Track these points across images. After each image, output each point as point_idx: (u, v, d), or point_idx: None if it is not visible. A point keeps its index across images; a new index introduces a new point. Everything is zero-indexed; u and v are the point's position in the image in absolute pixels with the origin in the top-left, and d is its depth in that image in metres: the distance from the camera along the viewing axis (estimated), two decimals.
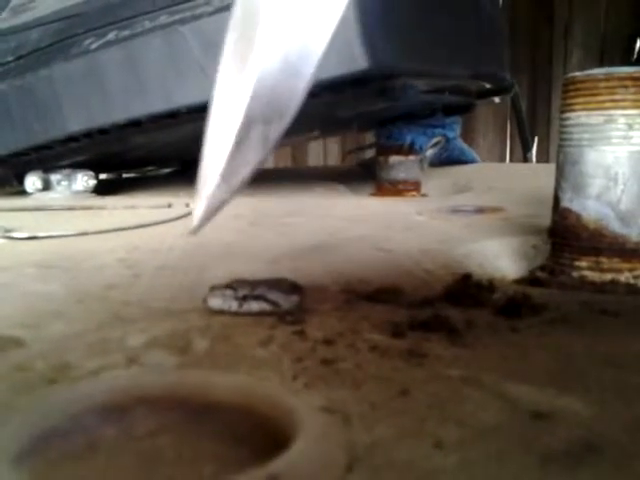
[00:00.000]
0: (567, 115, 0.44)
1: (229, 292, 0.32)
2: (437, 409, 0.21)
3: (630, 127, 0.42)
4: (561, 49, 2.59)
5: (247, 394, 0.21)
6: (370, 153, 1.09)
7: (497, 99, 1.09)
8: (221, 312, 0.32)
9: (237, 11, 0.30)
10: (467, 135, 2.60)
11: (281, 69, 0.28)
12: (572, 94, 0.44)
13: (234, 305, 0.32)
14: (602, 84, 0.43)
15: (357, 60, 0.59)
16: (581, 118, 0.44)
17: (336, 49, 0.57)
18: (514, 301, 0.34)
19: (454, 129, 1.26)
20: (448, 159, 1.32)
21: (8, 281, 0.39)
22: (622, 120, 0.42)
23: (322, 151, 2.84)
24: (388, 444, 0.18)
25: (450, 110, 1.06)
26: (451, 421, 0.20)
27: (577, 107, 0.44)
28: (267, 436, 0.19)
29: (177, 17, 0.65)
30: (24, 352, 0.26)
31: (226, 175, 0.31)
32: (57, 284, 0.38)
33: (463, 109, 1.06)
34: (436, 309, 0.33)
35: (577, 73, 0.44)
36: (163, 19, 0.66)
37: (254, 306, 0.32)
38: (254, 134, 0.30)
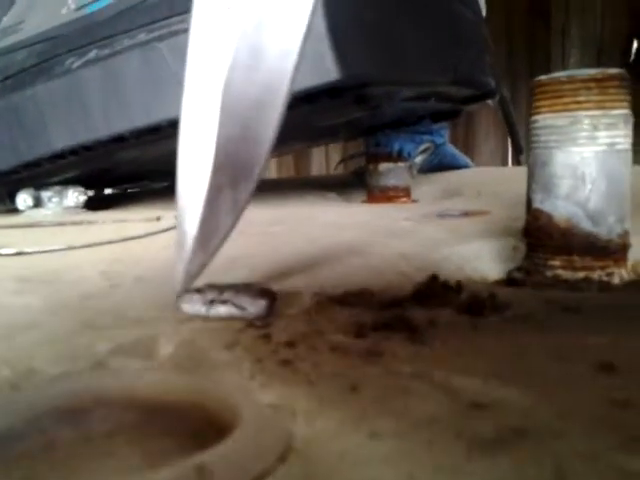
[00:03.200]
0: (535, 118, 0.45)
1: (197, 296, 0.33)
2: (380, 403, 0.21)
3: (595, 128, 0.43)
4: (559, 51, 2.60)
5: (198, 393, 0.22)
6: (362, 161, 1.10)
7: (490, 102, 1.10)
8: (193, 318, 0.33)
9: (192, 69, 0.30)
10: (468, 140, 2.61)
11: (241, 136, 0.29)
12: (539, 97, 0.45)
13: (202, 309, 0.32)
14: (566, 86, 0.44)
15: (329, 71, 0.60)
16: (547, 120, 0.44)
17: (308, 60, 0.58)
18: (477, 300, 0.34)
19: (442, 135, 1.27)
20: (440, 165, 1.32)
21: None
22: (587, 121, 0.43)
23: (325, 160, 2.85)
24: (326, 436, 0.19)
25: (437, 116, 1.07)
26: (391, 413, 0.20)
27: (543, 109, 0.45)
28: (215, 432, 0.20)
29: (155, 34, 0.67)
30: None
31: (201, 240, 0.32)
32: (35, 297, 0.39)
33: (450, 115, 1.07)
34: (402, 310, 0.34)
35: (542, 76, 0.45)
36: (142, 37, 0.67)
37: (221, 310, 0.32)
38: (223, 199, 0.31)
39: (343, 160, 1.56)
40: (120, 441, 0.21)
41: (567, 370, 0.24)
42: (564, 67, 2.59)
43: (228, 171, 0.29)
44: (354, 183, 1.17)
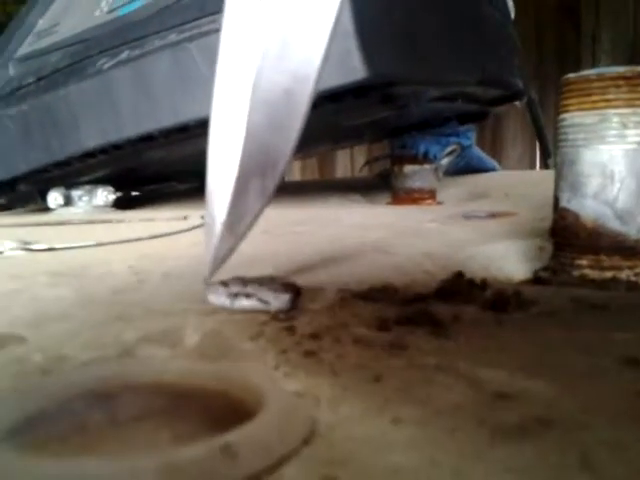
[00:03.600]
0: (563, 116, 0.45)
1: (222, 289, 0.33)
2: (404, 392, 0.22)
3: (624, 125, 0.43)
4: (589, 56, 2.57)
5: (223, 380, 0.22)
6: (387, 163, 1.10)
7: (518, 103, 1.09)
8: (218, 310, 0.33)
9: (224, 59, 0.31)
10: (495, 144, 2.59)
11: (270, 124, 0.30)
12: (567, 95, 0.45)
13: (227, 302, 0.33)
14: (595, 84, 0.43)
15: (356, 70, 0.60)
16: (576, 118, 0.44)
17: (335, 59, 0.59)
18: (502, 297, 0.34)
19: (469, 137, 1.26)
20: (466, 168, 1.32)
21: (21, 287, 0.41)
22: (616, 119, 0.42)
23: (349, 162, 2.85)
24: (349, 422, 0.19)
25: (464, 118, 1.06)
26: (414, 402, 0.21)
27: (572, 108, 0.44)
28: (240, 417, 0.20)
29: (185, 35, 0.68)
30: (24, 347, 0.27)
31: (229, 225, 0.33)
32: (66, 289, 0.40)
33: (477, 117, 1.07)
34: (426, 305, 0.34)
35: (571, 74, 0.45)
36: (172, 37, 0.69)
37: (246, 303, 0.33)
38: (252, 186, 0.31)
39: (368, 162, 1.56)
40: (148, 425, 0.21)
41: (592, 364, 0.24)
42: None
43: (257, 158, 0.29)
44: (379, 185, 1.17)
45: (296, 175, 2.95)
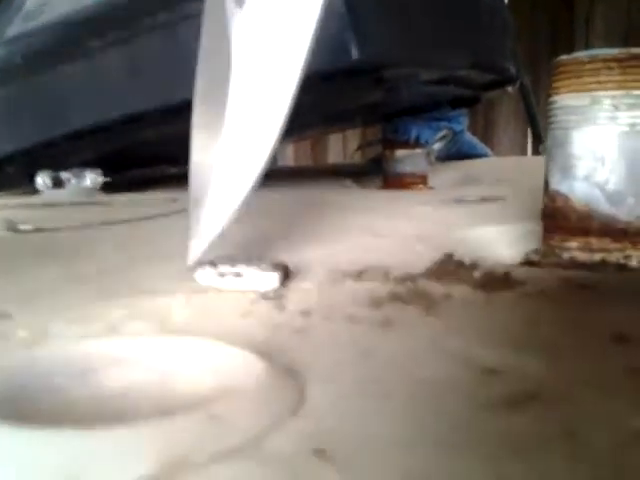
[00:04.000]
0: (554, 98, 0.45)
1: (210, 268, 0.33)
2: (393, 367, 0.22)
3: (616, 108, 0.42)
4: (582, 41, 2.56)
5: (211, 355, 0.22)
6: (380, 149, 1.10)
7: (510, 89, 1.09)
8: (207, 289, 0.33)
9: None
10: (487, 130, 2.58)
11: (255, 107, 0.30)
12: (558, 77, 0.45)
13: (215, 281, 0.33)
14: (587, 66, 0.43)
15: (348, 51, 0.60)
16: (567, 100, 0.44)
17: (327, 41, 0.58)
18: (492, 277, 0.34)
19: (461, 122, 1.26)
20: (458, 153, 1.32)
21: (7, 266, 0.41)
22: (607, 101, 0.42)
23: (342, 148, 2.84)
24: (337, 395, 0.19)
25: (456, 103, 1.06)
26: (404, 376, 0.21)
27: (563, 90, 0.44)
28: (228, 392, 0.20)
29: (175, 15, 0.67)
30: (10, 323, 0.27)
31: (214, 210, 0.32)
32: (54, 268, 0.40)
33: (469, 102, 1.06)
34: (416, 284, 0.34)
35: (563, 56, 0.45)
36: (161, 18, 0.68)
37: (234, 282, 0.33)
38: (238, 170, 0.31)
39: (360, 147, 1.56)
40: (134, 399, 0.21)
41: (580, 340, 0.24)
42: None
43: (243, 141, 0.29)
44: (371, 170, 1.17)
45: (289, 160, 2.94)
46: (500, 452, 0.15)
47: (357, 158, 1.69)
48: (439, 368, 0.21)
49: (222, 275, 0.33)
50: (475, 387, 0.19)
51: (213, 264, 0.34)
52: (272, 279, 0.33)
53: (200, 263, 0.34)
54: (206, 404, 0.17)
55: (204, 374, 0.22)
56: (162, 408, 0.21)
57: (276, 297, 0.32)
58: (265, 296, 0.32)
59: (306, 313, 0.29)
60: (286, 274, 0.35)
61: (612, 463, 0.15)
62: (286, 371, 0.21)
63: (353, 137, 2.65)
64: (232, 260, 0.34)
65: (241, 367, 0.21)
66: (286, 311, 0.29)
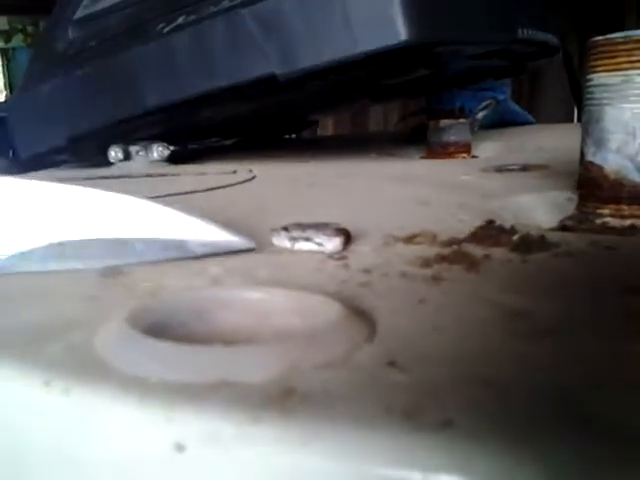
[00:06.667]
0: (590, 76, 0.49)
1: (284, 233, 0.39)
2: (442, 310, 0.27)
3: None
4: (634, 3, 2.50)
5: (298, 301, 0.28)
6: (421, 118, 1.14)
7: (552, 58, 1.11)
8: (282, 251, 0.39)
9: None
10: (532, 97, 2.56)
11: None
12: (594, 57, 0.49)
13: (288, 244, 0.39)
14: (620, 47, 0.47)
15: (398, 32, 0.64)
16: (601, 79, 0.48)
17: (376, 21, 0.63)
18: (528, 240, 0.39)
19: (504, 91, 1.28)
20: (501, 121, 1.34)
21: None
22: (639, 79, 0.46)
23: (382, 118, 2.86)
24: (402, 329, 0.25)
25: (500, 73, 1.09)
26: (451, 317, 0.26)
27: (598, 69, 0.48)
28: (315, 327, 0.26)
29: (238, 1, 0.72)
30: (131, 278, 0.34)
31: None
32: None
33: (513, 72, 1.09)
34: (460, 247, 0.39)
35: (599, 37, 0.48)
36: (226, 3, 0.73)
37: (304, 245, 0.39)
38: None
39: (404, 117, 1.59)
40: (240, 334, 0.27)
41: (597, 291, 0.29)
42: (638, 23, 2.48)
43: None
44: (414, 140, 1.21)
45: (329, 129, 2.97)
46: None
47: (398, 128, 1.72)
48: (479, 311, 0.27)
49: (294, 239, 0.39)
50: (506, 324, 0.25)
51: (286, 229, 0.40)
52: (336, 243, 0.39)
53: (274, 229, 0.41)
54: (303, 333, 0.23)
55: (292, 314, 0.28)
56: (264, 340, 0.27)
57: (340, 258, 0.38)
58: (331, 257, 0.38)
59: (367, 271, 0.35)
60: (347, 237, 0.41)
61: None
62: (358, 311, 0.27)
63: (394, 107, 2.67)
64: (302, 226, 0.40)
65: (322, 307, 0.27)
66: (350, 269, 0.35)
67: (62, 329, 0.25)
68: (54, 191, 0.37)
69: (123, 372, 0.21)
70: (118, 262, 0.35)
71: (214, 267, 0.35)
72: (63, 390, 0.20)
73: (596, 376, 0.20)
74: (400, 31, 0.63)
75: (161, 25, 0.79)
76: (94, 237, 0.36)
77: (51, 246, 0.35)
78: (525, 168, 0.82)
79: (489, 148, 1.12)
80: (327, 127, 2.91)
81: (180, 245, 0.37)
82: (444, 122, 1.04)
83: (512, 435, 0.16)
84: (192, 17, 0.75)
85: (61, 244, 0.35)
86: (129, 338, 0.22)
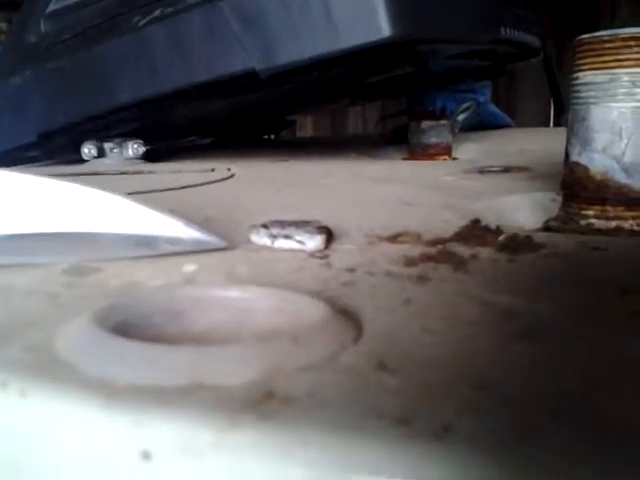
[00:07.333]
0: (575, 75, 0.48)
1: (263, 230, 0.38)
2: (430, 311, 0.26)
3: (633, 84, 0.46)
4: (608, 2, 2.51)
5: (279, 300, 0.26)
6: (403, 119, 1.13)
7: (534, 60, 1.11)
8: (261, 249, 0.38)
9: None
10: (510, 100, 2.58)
11: None
12: (580, 55, 0.48)
13: (268, 242, 0.37)
14: (607, 45, 0.46)
15: (380, 28, 0.63)
16: (588, 77, 0.47)
17: (359, 17, 0.61)
18: (514, 240, 0.38)
19: (485, 93, 1.28)
20: (481, 124, 1.34)
21: None
22: (626, 78, 0.45)
23: (361, 118, 2.86)
24: (389, 329, 0.24)
25: (480, 75, 1.08)
26: (439, 317, 0.25)
27: (584, 67, 0.47)
28: (297, 327, 0.25)
29: None
30: (101, 275, 0.32)
31: None
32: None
33: (493, 73, 1.09)
34: (446, 247, 0.38)
35: (585, 35, 0.48)
36: None
37: (284, 243, 0.37)
38: None
39: (383, 118, 1.58)
40: (218, 335, 0.26)
41: (587, 291, 0.28)
42: (613, 20, 2.50)
43: None
44: (394, 141, 1.20)
45: (309, 131, 2.96)
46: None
47: (377, 129, 1.72)
48: (468, 311, 0.26)
49: (274, 236, 0.38)
50: (497, 324, 0.24)
51: (265, 226, 0.38)
52: (318, 241, 0.38)
53: (253, 226, 0.39)
54: (286, 333, 0.21)
55: (273, 314, 0.26)
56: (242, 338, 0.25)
57: (322, 256, 0.36)
58: (313, 255, 0.37)
59: (351, 270, 0.33)
60: (329, 236, 0.39)
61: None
62: (343, 311, 0.25)
63: (372, 109, 2.66)
64: (282, 224, 0.39)
65: (305, 306, 0.25)
66: (333, 268, 0.34)
67: (20, 328, 0.24)
68: (15, 181, 0.35)
69: (87, 374, 0.19)
70: (83, 258, 0.33)
71: (189, 264, 0.34)
72: (20, 392, 0.18)
73: (593, 377, 0.19)
74: (383, 27, 0.62)
75: (137, 18, 0.77)
76: (57, 231, 0.34)
77: (7, 237, 0.33)
78: (507, 170, 0.81)
79: (470, 150, 1.12)
80: (306, 129, 2.90)
81: (150, 242, 0.36)
82: (425, 123, 1.03)
83: (513, 445, 0.15)
84: (169, 10, 0.73)
85: (19, 236, 0.33)
86: (95, 337, 0.21)
